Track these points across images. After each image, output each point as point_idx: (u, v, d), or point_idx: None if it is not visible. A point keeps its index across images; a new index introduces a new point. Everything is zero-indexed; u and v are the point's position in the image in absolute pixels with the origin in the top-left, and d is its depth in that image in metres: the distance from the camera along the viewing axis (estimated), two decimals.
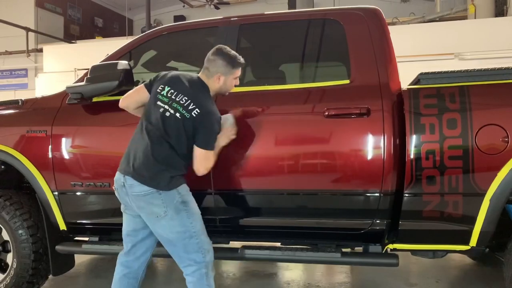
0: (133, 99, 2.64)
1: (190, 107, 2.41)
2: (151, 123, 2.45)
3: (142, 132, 2.46)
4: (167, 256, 2.61)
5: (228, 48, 2.56)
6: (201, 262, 2.46)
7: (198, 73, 2.59)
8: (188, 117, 2.40)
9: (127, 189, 2.45)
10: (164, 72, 2.59)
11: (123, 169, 2.48)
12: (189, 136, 2.43)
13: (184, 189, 2.47)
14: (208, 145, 2.45)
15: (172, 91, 2.47)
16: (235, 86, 2.63)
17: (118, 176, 2.50)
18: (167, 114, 2.43)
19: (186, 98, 2.43)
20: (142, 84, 2.62)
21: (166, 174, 2.41)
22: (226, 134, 2.58)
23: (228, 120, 2.59)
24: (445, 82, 2.62)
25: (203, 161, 2.47)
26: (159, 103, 2.47)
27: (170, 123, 2.41)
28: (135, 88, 2.67)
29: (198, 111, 2.41)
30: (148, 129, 2.45)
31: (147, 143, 2.42)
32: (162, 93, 2.48)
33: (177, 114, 2.41)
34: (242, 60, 2.57)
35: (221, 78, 2.52)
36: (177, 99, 2.44)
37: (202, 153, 2.45)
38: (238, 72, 2.58)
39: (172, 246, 2.50)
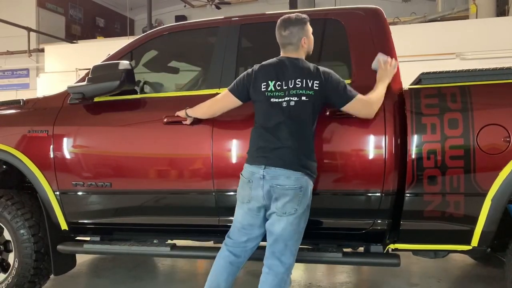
0: (221, 107, 2.67)
1: (309, 84, 2.42)
2: (276, 115, 2.43)
3: (270, 127, 2.44)
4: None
5: (286, 15, 2.59)
6: (289, 267, 2.43)
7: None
8: (313, 94, 2.41)
9: (267, 181, 2.40)
10: (249, 71, 2.57)
11: (263, 161, 2.42)
12: (319, 107, 2.46)
13: (312, 193, 2.47)
14: (349, 96, 2.46)
15: (279, 82, 2.46)
16: None
17: (254, 169, 2.44)
18: (292, 103, 2.42)
19: (300, 79, 2.43)
20: (227, 90, 2.61)
21: (309, 161, 2.43)
22: (387, 71, 2.61)
23: (378, 60, 2.64)
24: (446, 82, 2.62)
25: (361, 109, 2.49)
26: (274, 99, 2.45)
27: (300, 109, 2.41)
28: (220, 95, 2.67)
29: (317, 82, 2.42)
30: (277, 122, 2.42)
31: (283, 134, 2.40)
32: (269, 89, 2.47)
33: (303, 98, 2.41)
34: (304, 15, 2.59)
35: (305, 41, 2.54)
36: (291, 86, 2.44)
37: (353, 104, 2.46)
38: (309, 26, 2.59)
39: (274, 241, 2.43)
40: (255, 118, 2.53)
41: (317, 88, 2.42)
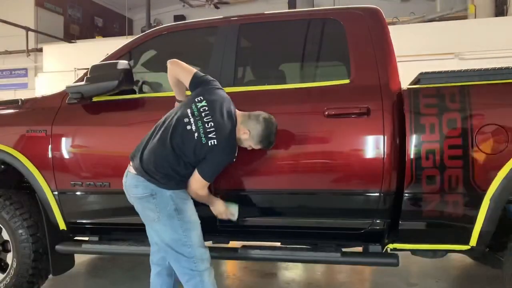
0: (180, 72, 2.61)
1: (210, 135, 2.41)
2: (173, 127, 2.44)
3: (160, 130, 2.47)
4: None
5: (275, 129, 2.52)
6: (194, 270, 2.45)
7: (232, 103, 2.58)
8: (204, 142, 2.41)
9: (127, 189, 2.51)
10: (214, 83, 2.57)
11: (130, 164, 2.53)
12: (197, 156, 2.44)
13: (179, 196, 2.47)
14: (207, 176, 2.48)
15: (206, 108, 2.46)
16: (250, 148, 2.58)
17: (124, 176, 2.56)
18: (188, 127, 2.43)
19: (212, 125, 2.42)
20: (196, 71, 2.59)
21: (163, 175, 2.44)
22: (223, 212, 2.67)
23: (231, 207, 2.70)
24: (445, 82, 2.62)
25: (197, 185, 2.50)
26: (188, 111, 2.47)
27: (187, 138, 2.42)
28: (189, 67, 2.64)
29: (215, 143, 2.41)
30: (166, 130, 2.45)
31: (158, 143, 2.44)
32: (197, 104, 2.48)
33: (196, 134, 2.42)
34: (269, 147, 2.55)
35: (245, 134, 2.49)
36: (204, 119, 2.43)
37: (199, 179, 2.48)
38: (257, 147, 2.54)
39: (165, 252, 2.52)
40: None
41: (210, 145, 2.40)
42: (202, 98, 2.49)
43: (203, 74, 2.60)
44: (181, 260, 2.46)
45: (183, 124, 2.44)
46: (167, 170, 2.42)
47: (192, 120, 2.44)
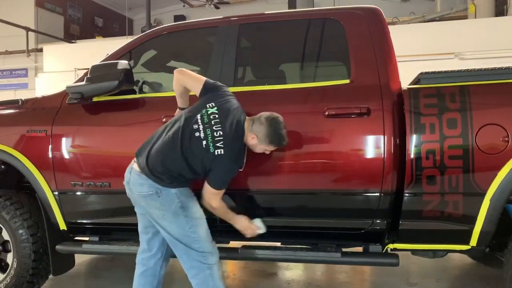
0: (188, 81, 2.58)
1: (218, 144, 2.40)
2: (182, 131, 2.43)
3: (170, 132, 2.46)
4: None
5: (282, 124, 2.48)
6: (204, 263, 2.48)
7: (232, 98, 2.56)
8: (211, 151, 2.40)
9: (130, 186, 2.51)
10: (225, 89, 2.56)
11: (135, 161, 2.51)
12: (204, 164, 2.44)
13: (183, 194, 2.48)
14: (217, 185, 2.47)
15: (216, 115, 2.44)
16: (265, 151, 2.56)
17: (126, 171, 2.55)
18: (196, 134, 2.42)
19: (221, 133, 2.40)
20: (206, 78, 2.58)
21: (169, 176, 2.45)
22: (248, 227, 2.64)
23: (255, 221, 2.67)
24: (445, 82, 2.62)
25: (209, 196, 2.51)
26: (198, 117, 2.45)
27: (196, 144, 2.41)
28: (198, 75, 2.61)
29: (222, 152, 2.40)
30: (176, 133, 2.44)
31: (168, 144, 2.44)
32: (208, 110, 2.46)
33: (204, 142, 2.41)
34: (283, 143, 2.51)
35: (254, 140, 2.48)
36: (213, 128, 2.41)
37: (210, 189, 2.48)
38: (272, 148, 2.53)
39: (174, 246, 2.53)
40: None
41: (216, 154, 2.39)
42: (213, 105, 2.48)
43: (214, 81, 2.60)
44: (191, 253, 2.47)
45: (192, 130, 2.43)
46: (173, 173, 2.44)
47: (201, 127, 2.43)
